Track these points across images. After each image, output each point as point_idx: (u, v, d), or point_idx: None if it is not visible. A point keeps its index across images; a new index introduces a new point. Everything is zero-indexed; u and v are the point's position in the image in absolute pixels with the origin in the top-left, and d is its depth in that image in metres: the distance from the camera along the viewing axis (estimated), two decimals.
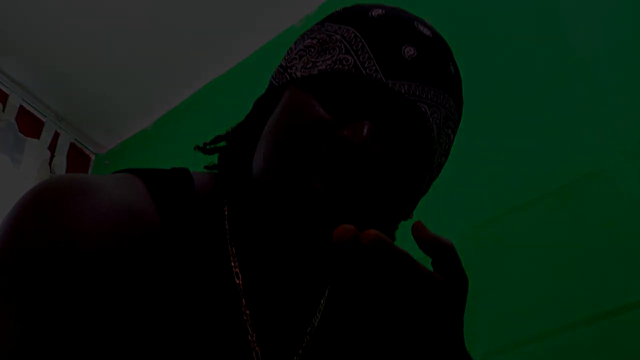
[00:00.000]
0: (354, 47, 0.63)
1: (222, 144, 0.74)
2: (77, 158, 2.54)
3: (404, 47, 0.63)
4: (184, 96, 2.35)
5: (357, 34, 0.64)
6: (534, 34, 1.49)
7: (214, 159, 0.75)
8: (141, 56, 2.28)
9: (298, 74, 0.66)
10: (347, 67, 0.62)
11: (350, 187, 0.60)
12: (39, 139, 2.37)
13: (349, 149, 0.60)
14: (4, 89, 2.34)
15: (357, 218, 0.58)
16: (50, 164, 2.38)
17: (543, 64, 1.43)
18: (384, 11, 0.66)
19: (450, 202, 1.35)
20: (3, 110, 2.29)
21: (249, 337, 0.63)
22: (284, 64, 0.70)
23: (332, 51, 0.64)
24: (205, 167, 0.74)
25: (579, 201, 1.24)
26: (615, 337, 1.09)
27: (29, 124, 2.37)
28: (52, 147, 2.42)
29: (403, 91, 0.61)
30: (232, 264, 0.66)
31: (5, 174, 2.20)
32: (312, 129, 0.62)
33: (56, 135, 2.46)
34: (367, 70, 0.62)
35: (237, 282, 0.65)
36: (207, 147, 0.74)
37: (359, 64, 0.62)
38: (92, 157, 2.62)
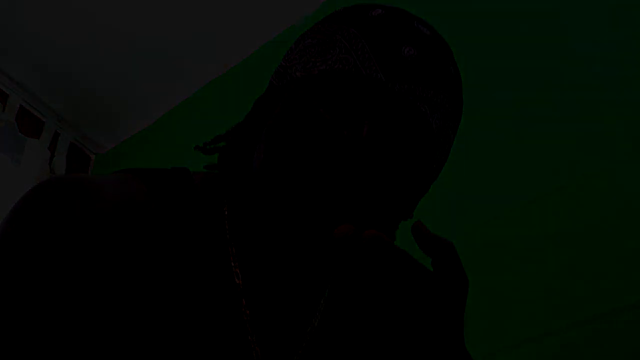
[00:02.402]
0: (354, 47, 0.63)
1: (222, 144, 0.74)
2: (77, 158, 2.54)
3: (404, 47, 0.63)
4: (184, 96, 2.35)
5: (357, 33, 0.64)
6: (533, 32, 1.48)
7: (214, 159, 0.74)
8: (141, 56, 2.28)
9: (298, 74, 0.66)
10: (347, 67, 0.62)
11: (350, 187, 0.60)
12: (39, 139, 2.37)
13: (349, 149, 0.60)
14: (4, 89, 2.34)
15: (357, 218, 0.58)
16: (50, 164, 2.38)
17: (543, 63, 1.43)
18: (384, 11, 0.66)
19: (450, 202, 1.35)
20: (3, 110, 2.29)
21: (249, 337, 0.63)
22: (284, 64, 0.70)
23: (332, 51, 0.64)
24: (205, 167, 0.74)
25: (579, 201, 1.24)
26: (615, 337, 1.09)
27: (29, 124, 2.37)
28: (52, 147, 2.42)
29: (403, 91, 0.61)
30: (232, 263, 0.65)
31: (5, 174, 2.20)
32: (312, 129, 0.62)
33: (56, 135, 2.46)
34: (367, 70, 0.62)
35: (237, 282, 0.65)
36: (207, 147, 0.74)
37: (359, 64, 0.62)
38: (92, 157, 2.62)
